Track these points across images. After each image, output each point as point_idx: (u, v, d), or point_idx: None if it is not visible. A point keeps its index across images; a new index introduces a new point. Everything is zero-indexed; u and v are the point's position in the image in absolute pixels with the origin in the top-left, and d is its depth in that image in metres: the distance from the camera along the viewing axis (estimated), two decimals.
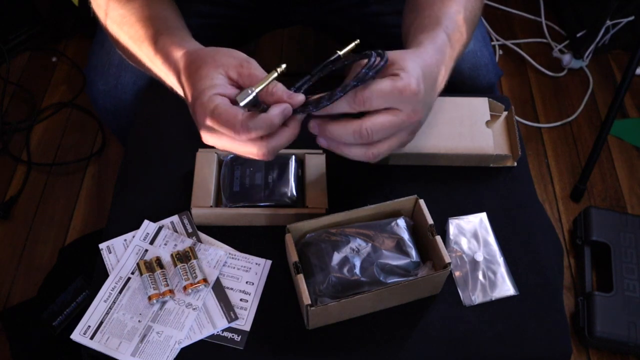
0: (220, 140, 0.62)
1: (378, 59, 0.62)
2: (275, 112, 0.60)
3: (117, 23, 0.76)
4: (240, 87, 0.63)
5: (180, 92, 0.69)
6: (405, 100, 0.62)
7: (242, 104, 0.60)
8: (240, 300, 0.71)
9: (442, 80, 0.70)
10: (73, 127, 1.65)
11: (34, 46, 1.79)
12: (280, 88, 0.62)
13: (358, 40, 0.67)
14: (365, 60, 0.63)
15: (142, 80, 0.93)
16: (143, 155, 0.84)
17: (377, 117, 0.62)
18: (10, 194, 1.50)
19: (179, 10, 0.79)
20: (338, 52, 0.66)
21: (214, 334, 0.69)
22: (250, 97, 0.60)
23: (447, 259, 0.67)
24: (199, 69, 0.63)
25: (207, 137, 0.63)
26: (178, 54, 0.67)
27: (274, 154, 0.63)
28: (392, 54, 0.64)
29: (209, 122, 0.61)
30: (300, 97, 0.62)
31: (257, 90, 0.61)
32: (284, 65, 0.61)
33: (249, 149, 0.62)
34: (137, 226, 0.76)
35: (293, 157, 0.79)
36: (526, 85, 1.79)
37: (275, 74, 0.61)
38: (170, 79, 0.69)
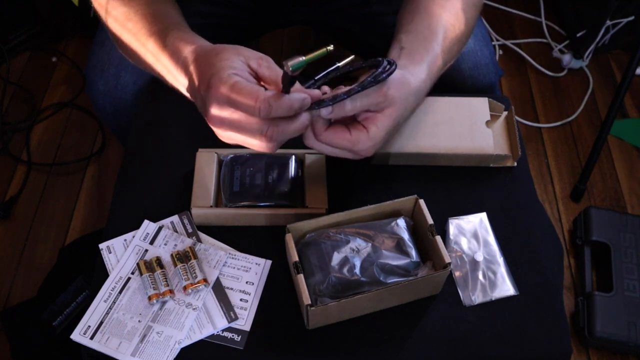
0: (231, 116, 0.61)
1: (388, 65, 0.65)
2: (297, 97, 0.60)
3: (120, 20, 0.76)
4: (258, 79, 0.63)
5: (182, 87, 0.68)
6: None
7: (292, 67, 0.58)
8: (240, 300, 0.71)
9: (426, 92, 0.75)
10: (73, 127, 1.65)
11: (34, 46, 1.79)
12: (298, 84, 0.63)
13: (353, 56, 0.68)
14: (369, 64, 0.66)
15: (142, 80, 0.93)
16: (143, 155, 0.84)
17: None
18: (10, 194, 1.50)
19: (180, 9, 0.79)
20: (337, 63, 0.67)
21: (214, 334, 0.69)
22: (302, 63, 0.59)
23: (447, 259, 0.67)
24: (220, 53, 0.63)
25: (216, 112, 0.61)
26: (189, 48, 0.67)
27: (278, 146, 0.62)
28: (391, 91, 0.67)
29: (227, 94, 0.59)
30: (316, 92, 0.64)
31: (309, 58, 0.59)
32: (332, 46, 0.61)
33: (260, 128, 0.60)
34: (137, 226, 0.76)
35: (293, 157, 0.79)
36: (526, 85, 1.79)
37: (325, 50, 0.61)
38: (174, 73, 0.69)
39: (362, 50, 1.16)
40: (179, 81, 0.69)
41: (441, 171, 0.83)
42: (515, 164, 0.83)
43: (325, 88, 0.66)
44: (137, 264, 0.72)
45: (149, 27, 0.72)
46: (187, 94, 0.68)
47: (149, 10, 0.74)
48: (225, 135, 0.63)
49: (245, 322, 0.70)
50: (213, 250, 0.74)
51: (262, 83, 0.64)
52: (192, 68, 0.65)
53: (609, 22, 1.75)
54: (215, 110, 0.61)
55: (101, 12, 0.79)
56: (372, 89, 0.65)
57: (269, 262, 0.74)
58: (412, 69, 0.71)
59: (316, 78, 0.67)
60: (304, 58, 0.59)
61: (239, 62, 0.62)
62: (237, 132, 0.62)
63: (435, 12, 0.77)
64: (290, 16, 1.06)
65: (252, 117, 0.60)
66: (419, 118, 0.83)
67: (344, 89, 0.64)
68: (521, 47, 1.87)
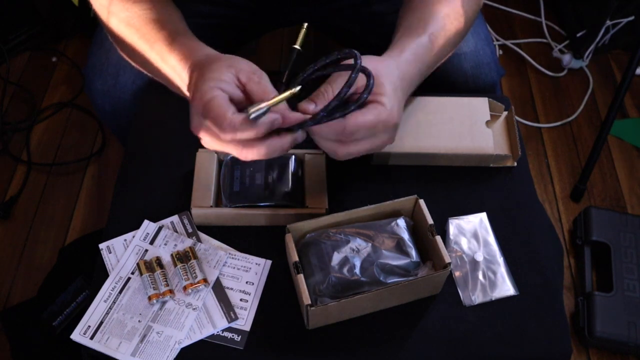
0: (206, 134, 0.63)
1: (366, 79, 0.63)
2: (263, 121, 0.60)
3: (125, 24, 0.75)
4: (246, 92, 0.64)
5: (187, 92, 0.69)
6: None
7: (252, 116, 0.59)
8: (240, 300, 0.71)
9: (415, 85, 0.74)
10: (73, 127, 1.65)
11: (34, 46, 1.79)
12: (282, 107, 0.62)
13: (306, 24, 0.70)
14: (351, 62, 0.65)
15: (140, 79, 0.93)
16: (143, 155, 0.84)
17: (359, 117, 0.63)
18: (10, 194, 1.50)
19: (182, 16, 0.79)
20: (295, 47, 0.68)
21: (214, 334, 0.69)
22: (262, 111, 0.60)
23: (447, 259, 0.67)
24: (212, 64, 0.64)
25: (196, 129, 0.64)
26: (200, 53, 0.68)
27: (265, 156, 0.63)
28: (369, 62, 0.66)
29: (201, 111, 0.61)
30: (296, 116, 0.63)
31: (270, 103, 0.60)
32: (298, 87, 0.62)
33: (230, 150, 0.62)
34: (137, 226, 0.76)
35: (293, 157, 0.79)
36: (526, 85, 1.79)
37: (289, 93, 0.61)
38: (182, 77, 0.69)
39: (362, 50, 1.15)
40: (185, 84, 0.69)
41: (441, 171, 0.83)
42: (515, 164, 0.83)
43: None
44: (137, 264, 0.72)
45: (155, 33, 0.73)
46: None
47: (152, 16, 0.74)
48: (206, 144, 0.64)
49: (245, 322, 0.70)
50: (213, 250, 0.74)
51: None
52: (193, 77, 0.66)
53: (609, 22, 1.75)
54: (194, 124, 0.63)
55: (102, 14, 0.78)
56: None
57: (269, 262, 0.74)
58: (396, 58, 0.71)
59: (299, 81, 0.66)
60: (265, 103, 0.60)
61: (228, 75, 0.62)
62: (215, 143, 0.63)
63: (429, 5, 0.77)
64: (290, 16, 1.05)
65: (220, 137, 0.61)
66: (419, 118, 0.83)
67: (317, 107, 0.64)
68: (521, 47, 1.87)
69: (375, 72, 0.64)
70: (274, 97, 0.61)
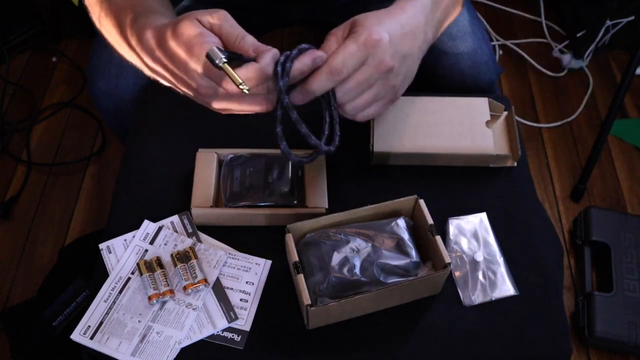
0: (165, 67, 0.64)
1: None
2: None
3: (104, 14, 0.73)
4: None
5: (148, 72, 0.67)
6: (371, 53, 0.64)
7: (205, 55, 0.60)
8: (240, 300, 0.71)
9: (425, 35, 0.70)
10: (73, 127, 1.65)
11: (34, 46, 1.79)
12: (248, 42, 0.64)
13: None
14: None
15: (143, 80, 0.92)
16: (143, 155, 0.84)
17: (338, 49, 0.64)
18: (10, 194, 1.50)
19: None
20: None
21: (214, 334, 0.69)
22: (216, 61, 0.60)
23: (447, 259, 0.67)
24: (183, 31, 0.62)
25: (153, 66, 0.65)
26: (148, 33, 0.65)
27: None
28: (358, 16, 0.67)
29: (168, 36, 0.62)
30: (267, 56, 0.64)
31: (223, 63, 0.60)
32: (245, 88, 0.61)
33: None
34: (137, 226, 0.76)
35: None
36: (526, 85, 1.79)
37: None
38: (140, 53, 0.67)
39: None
40: (148, 62, 0.67)
41: (441, 171, 0.83)
42: (515, 164, 0.83)
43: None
44: (137, 264, 0.72)
45: (124, 17, 0.70)
46: (148, 72, 0.67)
47: (124, 1, 0.72)
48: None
49: (245, 322, 0.70)
50: (213, 250, 0.74)
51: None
52: (164, 47, 0.64)
53: (609, 22, 1.75)
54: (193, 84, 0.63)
55: (94, 15, 0.78)
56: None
57: (269, 262, 0.74)
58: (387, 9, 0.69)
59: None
60: (223, 60, 0.60)
61: (202, 29, 0.62)
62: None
63: None
64: (290, 16, 1.05)
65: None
66: (419, 118, 0.83)
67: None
68: (521, 47, 1.87)
69: (356, 18, 0.66)
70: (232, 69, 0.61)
